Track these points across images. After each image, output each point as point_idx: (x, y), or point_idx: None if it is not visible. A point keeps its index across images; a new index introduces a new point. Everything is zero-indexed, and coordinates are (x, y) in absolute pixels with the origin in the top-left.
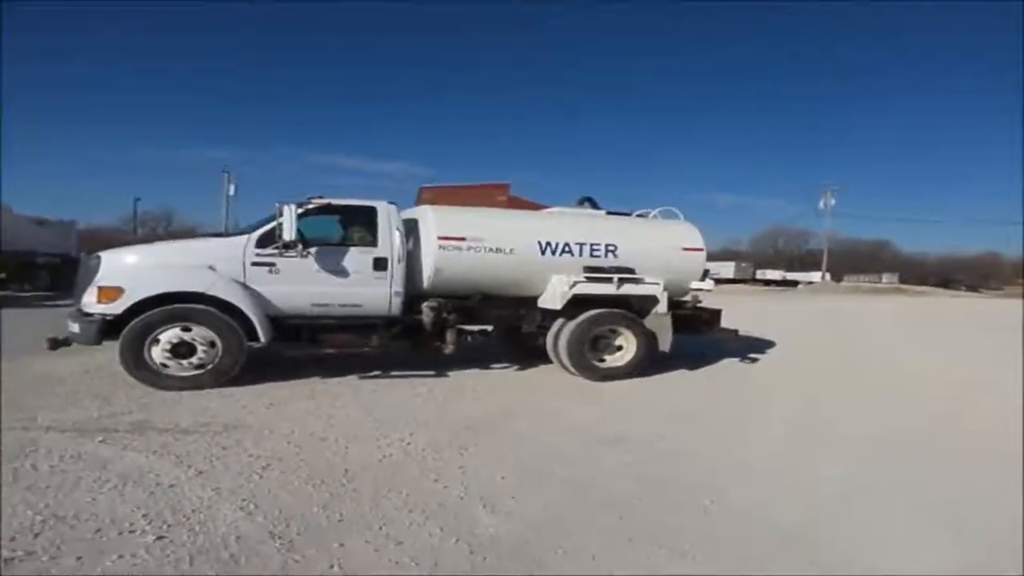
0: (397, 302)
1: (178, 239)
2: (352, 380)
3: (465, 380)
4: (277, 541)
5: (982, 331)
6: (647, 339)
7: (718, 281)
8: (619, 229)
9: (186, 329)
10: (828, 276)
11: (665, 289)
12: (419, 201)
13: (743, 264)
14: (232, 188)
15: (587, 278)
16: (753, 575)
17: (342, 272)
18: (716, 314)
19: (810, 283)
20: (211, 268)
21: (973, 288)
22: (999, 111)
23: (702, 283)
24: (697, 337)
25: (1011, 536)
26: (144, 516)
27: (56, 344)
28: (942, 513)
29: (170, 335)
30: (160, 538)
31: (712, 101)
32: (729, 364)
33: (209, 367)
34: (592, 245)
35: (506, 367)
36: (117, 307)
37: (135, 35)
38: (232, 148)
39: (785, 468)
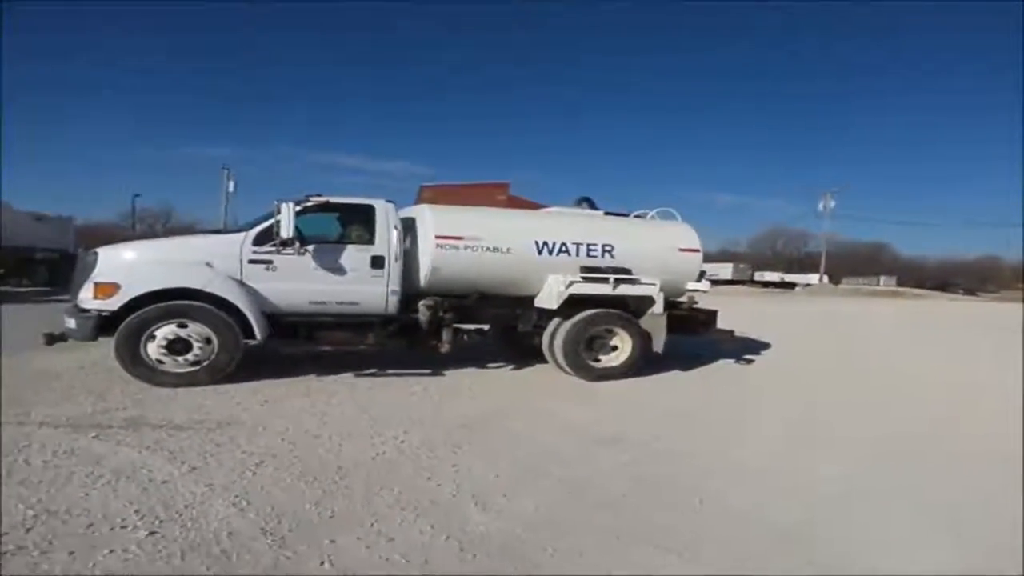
0: (394, 300)
1: (176, 236)
2: (348, 378)
3: (461, 379)
4: (269, 537)
5: (977, 332)
6: (643, 339)
7: (716, 282)
8: (616, 229)
9: (182, 326)
10: (826, 279)
11: (661, 290)
12: (419, 200)
13: (741, 265)
14: (232, 185)
15: (584, 278)
16: (751, 575)
17: (339, 270)
18: (712, 315)
19: (808, 285)
20: (208, 265)
21: (971, 292)
22: (999, 111)
23: (698, 284)
24: (693, 338)
25: (1011, 537)
26: (136, 512)
27: (52, 340)
28: (941, 516)
29: (166, 331)
30: (152, 533)
31: (712, 100)
32: (725, 365)
33: (205, 364)
34: (589, 245)
35: (502, 366)
36: (113, 303)
37: (135, 35)
38: (232, 146)
39: (781, 469)
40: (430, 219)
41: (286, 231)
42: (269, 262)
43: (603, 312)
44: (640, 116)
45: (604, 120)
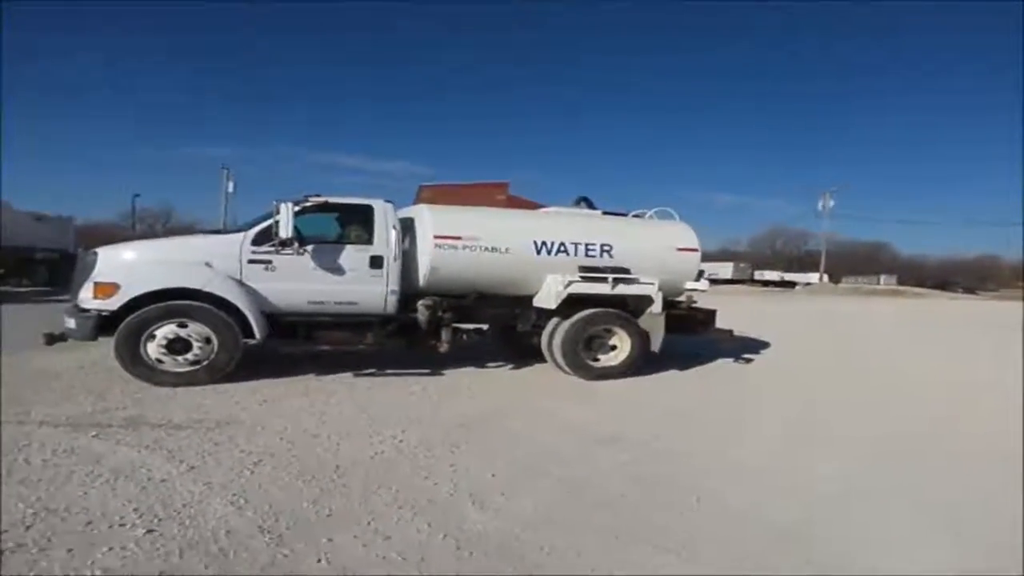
0: (393, 300)
1: (176, 236)
2: (347, 378)
3: (460, 378)
4: (266, 535)
5: (976, 330)
6: (642, 339)
7: (716, 281)
8: (615, 229)
9: (182, 325)
10: (826, 278)
11: (660, 289)
12: (418, 199)
13: (741, 265)
14: (231, 185)
15: (582, 278)
16: (750, 575)
17: (338, 270)
18: (711, 314)
19: (808, 284)
20: (208, 265)
21: (970, 290)
22: (999, 111)
23: (697, 283)
24: (692, 337)
25: (1011, 536)
26: (135, 510)
27: (52, 339)
28: (941, 516)
29: (166, 331)
30: (150, 531)
31: (711, 100)
32: (724, 364)
33: (204, 363)
34: (587, 245)
35: (501, 366)
36: (113, 303)
37: (135, 35)
38: (232, 146)
39: (779, 468)
40: (428, 219)
41: (285, 231)
42: (268, 262)
43: (602, 312)
44: (640, 116)
45: (604, 120)
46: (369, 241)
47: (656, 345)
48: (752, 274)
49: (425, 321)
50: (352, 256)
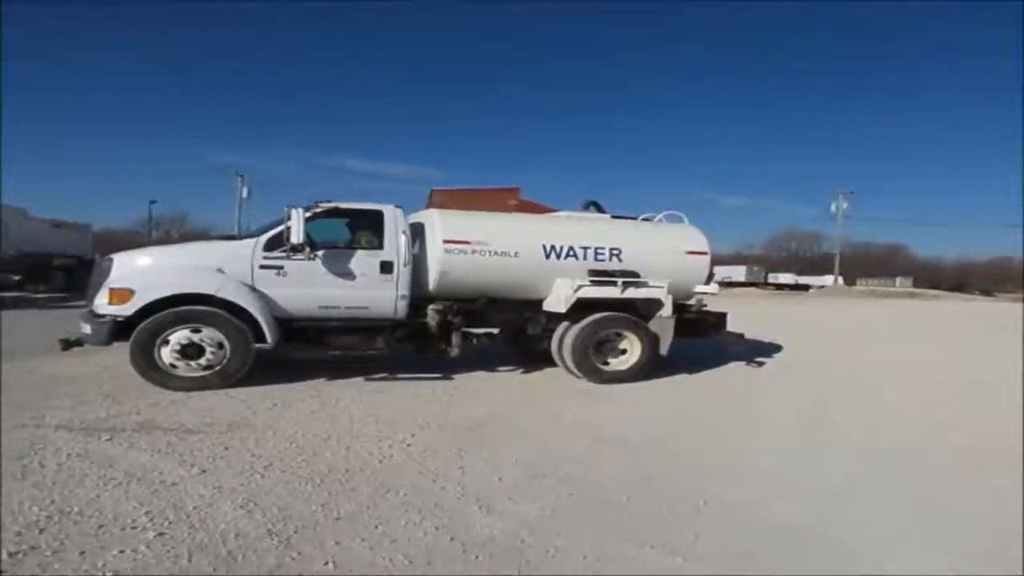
0: (403, 305)
1: (190, 241)
2: (357, 382)
3: (470, 382)
4: (275, 539)
5: (991, 331)
6: (652, 343)
7: (729, 284)
8: (624, 232)
9: (195, 331)
10: (840, 280)
11: (670, 292)
12: (430, 204)
13: (755, 267)
14: (245, 191)
15: (592, 282)
16: (751, 575)
17: (349, 275)
18: (722, 317)
19: (822, 287)
20: (220, 271)
21: (987, 293)
22: (1015, 108)
23: (706, 287)
24: (703, 340)
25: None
26: (146, 513)
27: (68, 345)
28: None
29: (179, 336)
30: (161, 534)
31: (724, 101)
32: (735, 367)
33: (217, 368)
34: (597, 248)
35: (511, 370)
36: (128, 308)
37: (154, 40)
38: (247, 152)
39: (786, 470)
40: (438, 224)
41: (296, 237)
42: (280, 267)
43: (612, 315)
44: (652, 116)
45: (616, 121)
46: (379, 246)
47: (664, 349)
48: (766, 277)
49: (435, 325)
50: (362, 261)
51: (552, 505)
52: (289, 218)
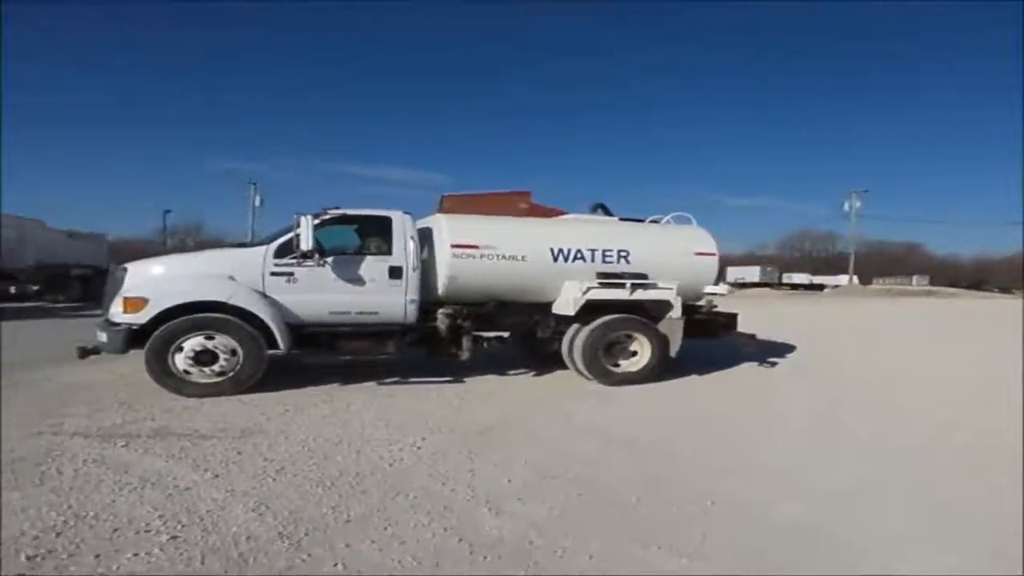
0: (412, 309)
1: (204, 250)
2: (369, 386)
3: (480, 385)
4: (285, 541)
5: (1010, 329)
6: (662, 344)
7: (743, 285)
8: (631, 235)
9: (209, 337)
10: (856, 279)
11: (679, 294)
12: (440, 208)
13: (768, 268)
14: (258, 199)
15: (600, 284)
16: (754, 575)
17: (358, 280)
18: (732, 318)
19: (836, 287)
20: (231, 278)
21: (1006, 290)
22: (1016, 108)
23: (716, 288)
24: (714, 341)
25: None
26: (160, 517)
27: (85, 353)
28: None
29: (193, 343)
30: (174, 537)
31: (733, 101)
32: (747, 368)
33: (230, 374)
34: (604, 251)
35: (522, 373)
36: (142, 317)
37: (151, 41)
38: (261, 160)
39: (798, 471)
40: (446, 228)
41: (306, 243)
42: (290, 274)
43: (621, 317)
44: (662, 117)
45: (622, 123)
46: (388, 252)
47: (674, 350)
48: (780, 277)
49: (445, 329)
50: (372, 267)
51: (561, 506)
52: (298, 225)
